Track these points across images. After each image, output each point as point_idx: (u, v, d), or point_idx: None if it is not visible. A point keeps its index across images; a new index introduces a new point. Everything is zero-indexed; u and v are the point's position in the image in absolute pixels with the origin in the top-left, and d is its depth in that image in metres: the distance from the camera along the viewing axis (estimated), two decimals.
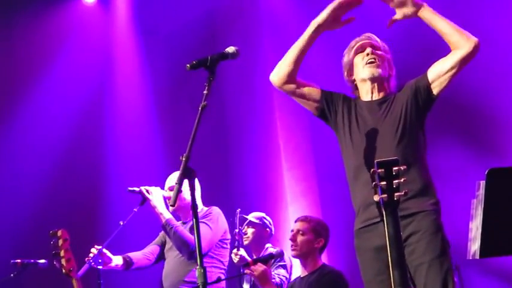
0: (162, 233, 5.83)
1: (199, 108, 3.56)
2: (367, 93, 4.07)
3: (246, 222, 6.42)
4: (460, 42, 3.86)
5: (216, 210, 5.64)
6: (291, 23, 8.23)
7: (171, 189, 5.64)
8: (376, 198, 3.18)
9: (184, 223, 5.68)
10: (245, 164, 8.77)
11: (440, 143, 7.09)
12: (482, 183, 3.26)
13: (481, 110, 7.33)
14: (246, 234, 6.40)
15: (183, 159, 3.46)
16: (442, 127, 7.03)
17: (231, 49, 3.82)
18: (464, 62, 3.88)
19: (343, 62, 4.19)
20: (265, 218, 6.52)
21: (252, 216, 6.48)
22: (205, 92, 3.61)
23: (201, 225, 5.20)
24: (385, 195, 3.15)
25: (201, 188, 5.78)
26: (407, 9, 3.92)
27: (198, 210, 5.61)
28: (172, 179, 5.72)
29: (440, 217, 3.84)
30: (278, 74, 4.09)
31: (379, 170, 3.15)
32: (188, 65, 3.69)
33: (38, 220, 7.97)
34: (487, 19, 7.06)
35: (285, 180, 8.48)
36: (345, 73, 4.18)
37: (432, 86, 3.93)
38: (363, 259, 3.92)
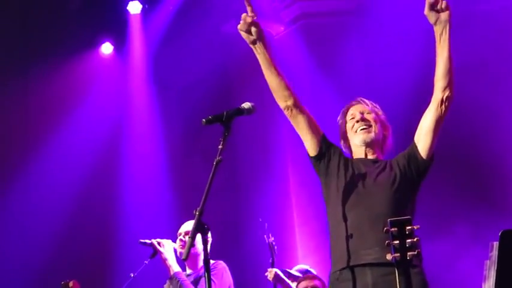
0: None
1: (214, 163, 3.55)
2: (360, 155, 4.12)
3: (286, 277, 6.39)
4: (442, 83, 3.85)
5: (221, 265, 5.63)
6: (305, 78, 8.28)
7: (187, 233, 5.64)
8: (389, 257, 3.17)
9: (188, 275, 5.67)
10: (257, 218, 8.74)
11: (454, 203, 7.07)
12: (496, 244, 3.25)
13: (493, 170, 7.30)
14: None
15: (197, 213, 3.45)
16: (455, 188, 7.02)
17: (246, 105, 3.84)
18: (438, 115, 3.88)
19: (339, 128, 4.24)
20: (309, 271, 6.44)
21: (294, 270, 6.44)
22: (220, 147, 3.61)
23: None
24: (398, 254, 3.15)
25: (213, 242, 5.78)
26: (440, 18, 3.81)
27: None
28: (188, 225, 5.73)
29: (425, 275, 3.82)
30: (274, 93, 4.18)
31: (393, 229, 3.15)
32: (204, 120, 3.69)
33: (50, 271, 7.95)
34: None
35: (296, 236, 8.44)
36: (341, 140, 4.24)
37: (419, 149, 3.96)
38: None
